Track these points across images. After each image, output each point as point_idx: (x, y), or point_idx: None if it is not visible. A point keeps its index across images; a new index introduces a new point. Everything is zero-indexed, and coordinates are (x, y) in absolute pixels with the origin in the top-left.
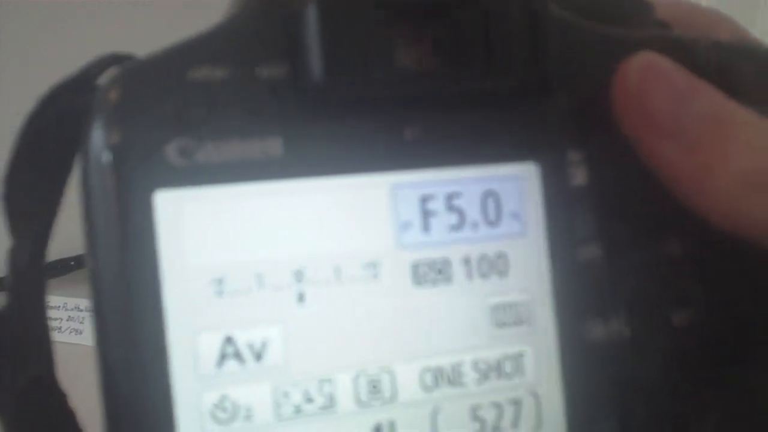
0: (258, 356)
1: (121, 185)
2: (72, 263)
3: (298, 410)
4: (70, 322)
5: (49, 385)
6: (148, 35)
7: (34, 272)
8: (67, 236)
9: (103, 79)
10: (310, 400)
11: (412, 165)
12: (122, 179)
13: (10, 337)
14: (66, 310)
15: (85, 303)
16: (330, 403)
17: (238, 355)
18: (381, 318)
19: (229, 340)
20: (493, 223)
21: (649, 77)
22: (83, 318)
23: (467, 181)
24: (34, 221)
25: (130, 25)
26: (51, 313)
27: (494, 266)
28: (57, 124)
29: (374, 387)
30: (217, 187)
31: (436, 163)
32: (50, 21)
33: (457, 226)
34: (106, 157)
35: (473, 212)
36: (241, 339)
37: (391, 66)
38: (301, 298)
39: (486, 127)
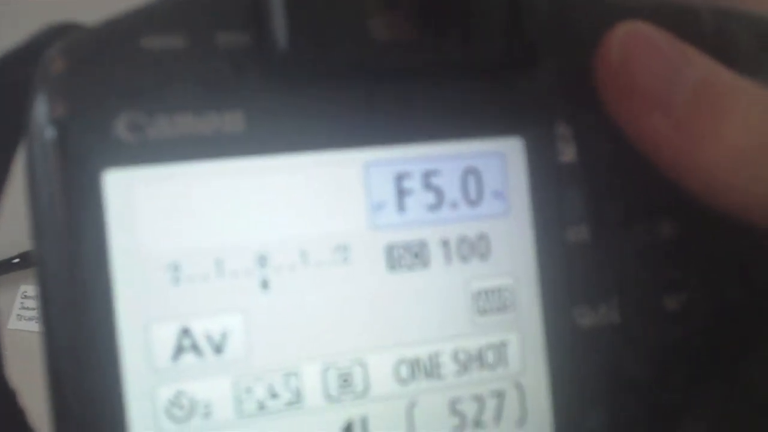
0: (217, 348)
1: (66, 164)
2: (16, 261)
3: (261, 406)
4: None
5: None
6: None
7: None
8: None
9: (50, 49)
10: (274, 395)
11: (386, 140)
12: (68, 157)
13: None
14: None
15: None
16: (296, 399)
17: (195, 348)
18: (352, 305)
19: (185, 332)
20: (473, 203)
21: (634, 47)
22: None
23: (446, 157)
24: None
25: None
26: (29, 303)
27: (475, 248)
28: (0, 100)
29: (345, 380)
30: (171, 166)
31: (412, 138)
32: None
33: (435, 206)
34: (49, 132)
35: (452, 191)
36: (199, 330)
37: (362, 34)
38: (264, 284)
39: (466, 99)
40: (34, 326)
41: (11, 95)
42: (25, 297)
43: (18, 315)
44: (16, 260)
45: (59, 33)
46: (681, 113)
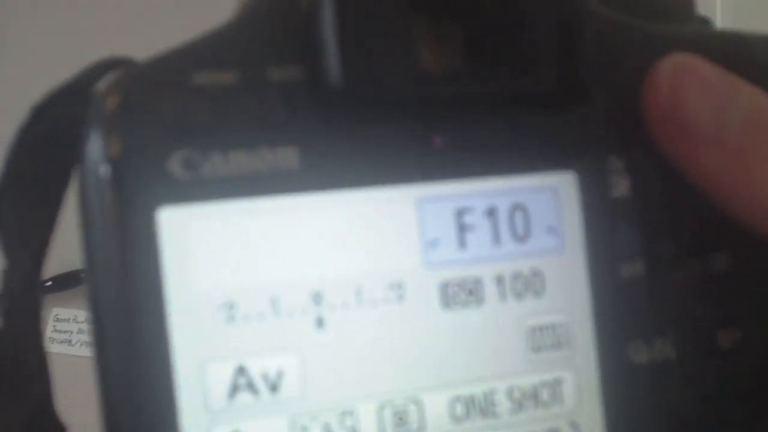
0: (273, 387)
1: (121, 202)
2: (82, 275)
3: None
4: (81, 334)
5: (48, 417)
6: (147, 38)
7: (30, 296)
8: (76, 248)
9: (101, 85)
10: None
11: (440, 176)
12: (122, 195)
13: (7, 363)
14: (76, 322)
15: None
16: None
17: (251, 387)
18: (407, 343)
19: (241, 371)
20: (527, 238)
21: (682, 81)
22: None
23: (499, 192)
24: (28, 241)
25: (127, 28)
26: (61, 326)
27: (529, 285)
28: (51, 136)
29: (400, 419)
30: (226, 203)
31: (465, 173)
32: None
33: (492, 242)
34: (104, 170)
35: (507, 226)
36: (255, 369)
37: (416, 68)
38: (319, 323)
39: (519, 133)
40: (67, 349)
41: (62, 130)
42: (58, 320)
43: (50, 338)
44: (49, 283)
45: (109, 68)
46: (733, 145)
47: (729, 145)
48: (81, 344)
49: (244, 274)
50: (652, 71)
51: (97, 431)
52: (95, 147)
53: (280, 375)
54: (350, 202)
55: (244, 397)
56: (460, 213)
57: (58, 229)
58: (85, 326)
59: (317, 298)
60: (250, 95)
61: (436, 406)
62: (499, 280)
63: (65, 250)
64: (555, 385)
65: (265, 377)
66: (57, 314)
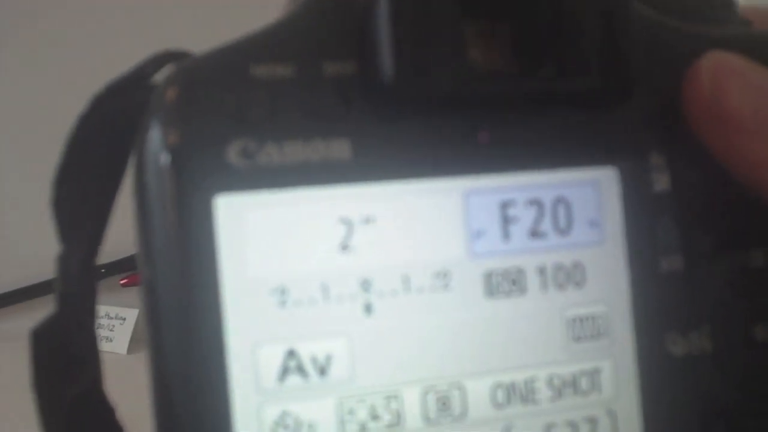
0: (322, 371)
1: (180, 188)
2: (102, 270)
3: (363, 428)
4: (101, 330)
5: (98, 399)
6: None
7: (86, 280)
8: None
9: (159, 77)
10: (376, 417)
11: (486, 169)
12: (181, 182)
13: (60, 347)
14: (97, 317)
15: (116, 311)
16: (397, 421)
17: (301, 369)
18: (451, 331)
19: (291, 354)
20: (569, 231)
21: (723, 76)
22: (113, 326)
23: (544, 186)
24: (84, 227)
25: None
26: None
27: (571, 276)
28: (110, 125)
29: (443, 404)
30: (280, 192)
31: (510, 167)
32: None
33: (536, 234)
34: (164, 158)
35: (550, 219)
36: (305, 352)
37: (464, 65)
38: (368, 309)
39: (563, 129)
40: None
41: (120, 119)
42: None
43: None
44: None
45: (167, 60)
46: None
47: None
48: (101, 339)
49: (296, 260)
50: (693, 68)
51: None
52: (155, 136)
53: (328, 359)
54: (399, 194)
55: (293, 379)
56: (504, 205)
57: None
58: (104, 321)
59: (366, 285)
60: (305, 88)
61: (478, 391)
62: (542, 271)
63: None
64: (593, 374)
65: (314, 360)
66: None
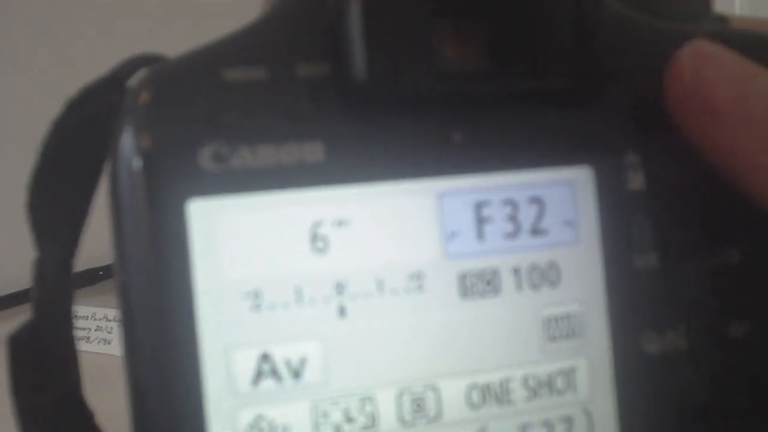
0: (296, 374)
1: (152, 193)
2: (101, 273)
3: (338, 430)
4: (99, 332)
5: (76, 403)
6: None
7: (62, 285)
8: (95, 245)
9: (134, 81)
10: (350, 419)
11: (460, 170)
12: (153, 187)
13: (38, 352)
14: (94, 320)
15: (113, 313)
16: (372, 423)
17: (275, 373)
18: (426, 332)
19: (265, 357)
20: (544, 231)
21: (704, 64)
22: (111, 328)
23: (518, 186)
24: (60, 231)
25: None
26: (79, 323)
27: (546, 276)
28: (85, 128)
29: (418, 405)
30: (253, 195)
31: (484, 167)
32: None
33: (511, 235)
34: (136, 163)
35: (524, 219)
36: (279, 356)
37: (438, 66)
38: (342, 312)
39: (537, 129)
40: (85, 346)
41: (95, 124)
42: (76, 317)
43: None
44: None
45: (141, 64)
46: (759, 122)
47: (754, 123)
48: (99, 341)
49: (269, 264)
50: (674, 57)
51: (116, 426)
52: (128, 140)
53: (302, 362)
54: (373, 195)
55: (267, 383)
56: (479, 206)
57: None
58: (102, 323)
59: (340, 288)
60: (278, 91)
61: (453, 393)
62: (516, 272)
63: (83, 247)
64: (569, 374)
65: (288, 364)
66: (75, 311)
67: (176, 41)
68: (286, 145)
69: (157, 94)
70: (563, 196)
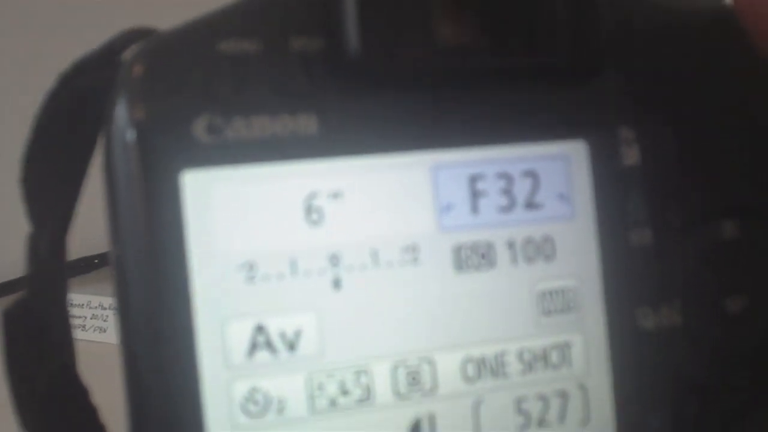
0: (291, 346)
1: (146, 164)
2: (96, 261)
3: (333, 403)
4: (94, 320)
5: (71, 380)
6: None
7: (55, 260)
8: (90, 234)
9: (127, 54)
10: (345, 392)
11: (454, 143)
12: (148, 158)
13: (32, 328)
14: (90, 308)
15: (108, 301)
16: (367, 396)
17: (269, 345)
18: (421, 305)
19: (260, 329)
20: (539, 205)
21: None
22: (107, 316)
23: (512, 160)
24: (54, 206)
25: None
26: (75, 311)
27: (540, 250)
28: (78, 102)
29: (413, 378)
30: (247, 167)
31: (478, 141)
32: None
33: (505, 208)
34: (130, 134)
35: (519, 193)
36: (273, 327)
37: (433, 40)
38: (336, 284)
39: (532, 103)
40: (81, 334)
41: (88, 97)
42: (71, 305)
43: None
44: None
45: (135, 37)
46: None
47: None
48: (94, 329)
49: (263, 235)
50: None
51: (108, 413)
52: (122, 112)
53: (297, 334)
54: (367, 168)
55: (262, 354)
56: (473, 179)
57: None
58: (98, 312)
59: (334, 260)
60: (272, 63)
61: (448, 366)
62: (511, 245)
63: (77, 235)
64: (564, 348)
65: (282, 336)
66: (70, 300)
67: (167, 16)
68: (280, 117)
69: (151, 66)
70: (558, 170)
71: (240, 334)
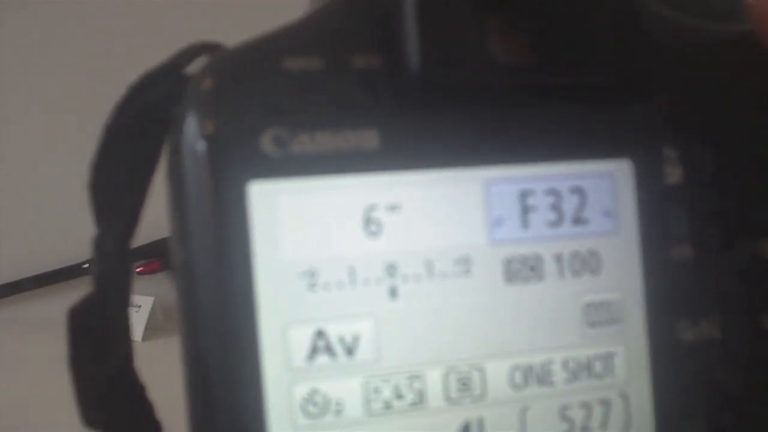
0: (349, 351)
1: (215, 175)
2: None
3: (388, 406)
4: None
5: (130, 376)
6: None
7: (120, 261)
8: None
9: (192, 68)
10: (400, 396)
11: (506, 160)
12: (217, 169)
13: (95, 325)
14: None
15: (131, 298)
16: (420, 400)
17: (329, 349)
18: (472, 314)
19: (320, 334)
20: (585, 221)
21: None
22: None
23: (561, 177)
24: (120, 210)
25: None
26: None
27: (586, 264)
28: (145, 114)
29: (464, 384)
30: (311, 179)
31: (529, 158)
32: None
33: (554, 223)
34: (200, 146)
35: (566, 208)
36: (333, 333)
37: (488, 59)
38: (393, 292)
39: (580, 122)
40: None
41: (155, 108)
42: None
43: None
44: (86, 265)
45: (200, 52)
46: None
47: None
48: None
49: (324, 245)
50: None
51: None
52: (192, 125)
53: (356, 339)
54: (424, 182)
55: (322, 358)
56: (523, 195)
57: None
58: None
59: (391, 270)
60: (334, 80)
61: (497, 373)
62: (559, 259)
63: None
64: (607, 358)
65: (342, 341)
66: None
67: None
68: (343, 132)
69: (220, 81)
70: (604, 188)
71: (301, 338)
